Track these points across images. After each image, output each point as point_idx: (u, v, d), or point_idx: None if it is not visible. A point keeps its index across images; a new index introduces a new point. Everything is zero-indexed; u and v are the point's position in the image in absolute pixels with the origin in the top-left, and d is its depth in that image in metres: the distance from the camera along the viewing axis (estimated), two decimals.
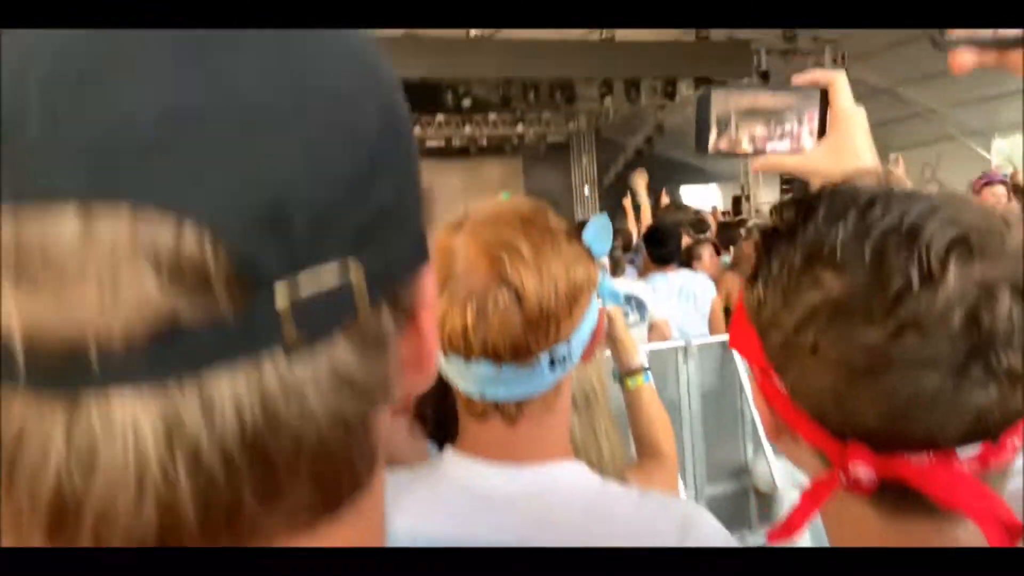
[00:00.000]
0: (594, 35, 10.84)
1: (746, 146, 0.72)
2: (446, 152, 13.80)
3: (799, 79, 0.73)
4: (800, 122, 0.71)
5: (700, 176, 15.21)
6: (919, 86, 11.11)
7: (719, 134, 0.71)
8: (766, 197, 11.05)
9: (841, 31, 10.19)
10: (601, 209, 13.75)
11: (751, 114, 0.71)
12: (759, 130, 0.71)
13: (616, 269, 3.45)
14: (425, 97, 12.06)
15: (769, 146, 0.71)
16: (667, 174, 14.17)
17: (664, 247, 3.55)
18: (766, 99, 0.72)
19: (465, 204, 0.78)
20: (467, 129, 13.35)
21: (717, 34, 10.38)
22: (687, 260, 3.77)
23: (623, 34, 10.42)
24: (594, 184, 14.58)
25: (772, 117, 0.71)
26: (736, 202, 11.52)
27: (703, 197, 9.19)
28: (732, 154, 0.72)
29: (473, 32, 10.05)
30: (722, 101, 0.71)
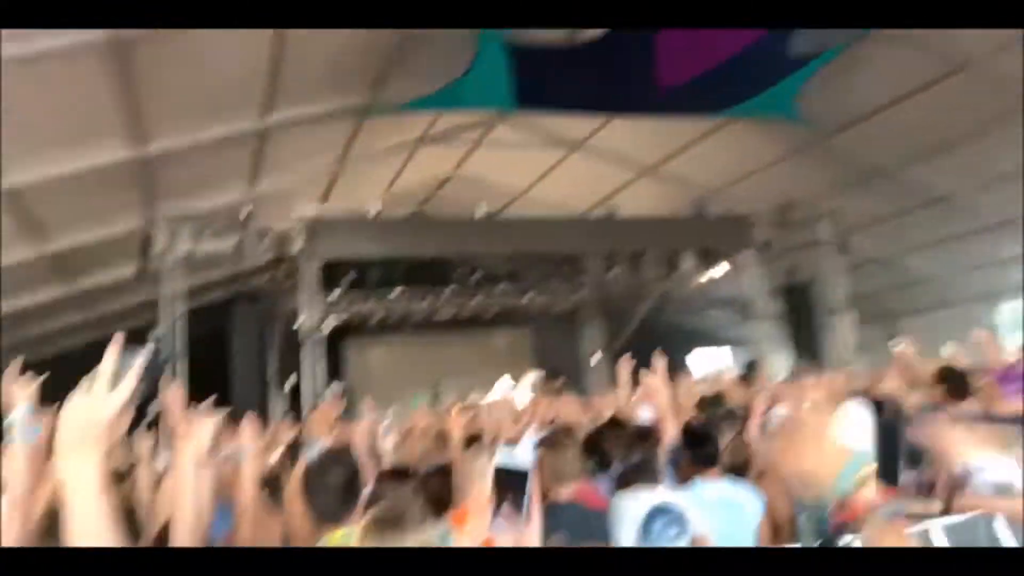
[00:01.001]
0: (597, 211, 11.28)
1: (955, 484, 0.62)
2: (455, 324, 13.94)
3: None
4: None
5: (709, 341, 15.28)
6: (918, 254, 11.40)
7: (911, 466, 0.62)
8: (780, 363, 11.01)
9: (837, 202, 10.63)
10: (611, 376, 13.65)
11: (956, 445, 0.62)
12: (968, 463, 0.62)
13: (653, 475, 3.26)
14: (435, 273, 12.39)
15: (982, 485, 0.62)
16: (677, 341, 14.26)
17: (704, 447, 3.35)
18: (976, 430, 0.63)
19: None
20: (475, 300, 13.56)
21: (715, 208, 10.81)
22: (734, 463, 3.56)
23: (625, 210, 10.85)
24: (603, 353, 14.60)
25: (983, 448, 0.62)
26: (751, 366, 11.48)
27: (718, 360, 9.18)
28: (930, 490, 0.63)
29: (480, 211, 10.48)
30: (915, 430, 0.63)
